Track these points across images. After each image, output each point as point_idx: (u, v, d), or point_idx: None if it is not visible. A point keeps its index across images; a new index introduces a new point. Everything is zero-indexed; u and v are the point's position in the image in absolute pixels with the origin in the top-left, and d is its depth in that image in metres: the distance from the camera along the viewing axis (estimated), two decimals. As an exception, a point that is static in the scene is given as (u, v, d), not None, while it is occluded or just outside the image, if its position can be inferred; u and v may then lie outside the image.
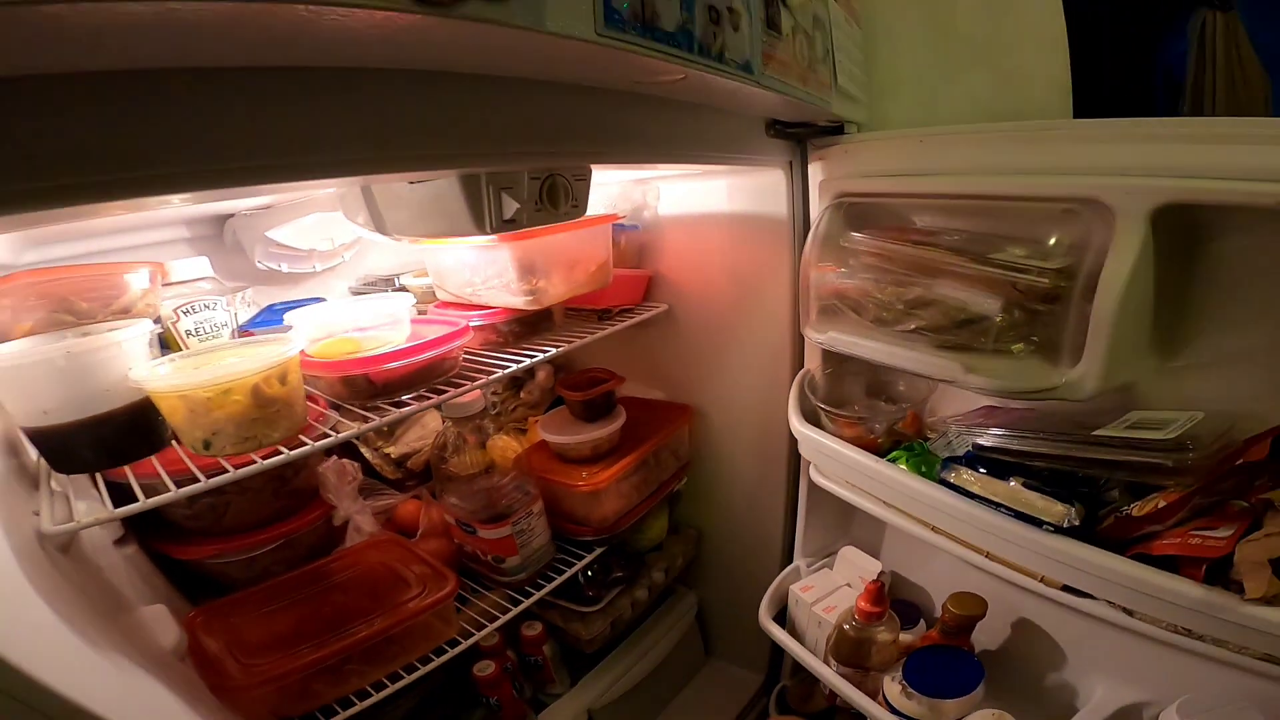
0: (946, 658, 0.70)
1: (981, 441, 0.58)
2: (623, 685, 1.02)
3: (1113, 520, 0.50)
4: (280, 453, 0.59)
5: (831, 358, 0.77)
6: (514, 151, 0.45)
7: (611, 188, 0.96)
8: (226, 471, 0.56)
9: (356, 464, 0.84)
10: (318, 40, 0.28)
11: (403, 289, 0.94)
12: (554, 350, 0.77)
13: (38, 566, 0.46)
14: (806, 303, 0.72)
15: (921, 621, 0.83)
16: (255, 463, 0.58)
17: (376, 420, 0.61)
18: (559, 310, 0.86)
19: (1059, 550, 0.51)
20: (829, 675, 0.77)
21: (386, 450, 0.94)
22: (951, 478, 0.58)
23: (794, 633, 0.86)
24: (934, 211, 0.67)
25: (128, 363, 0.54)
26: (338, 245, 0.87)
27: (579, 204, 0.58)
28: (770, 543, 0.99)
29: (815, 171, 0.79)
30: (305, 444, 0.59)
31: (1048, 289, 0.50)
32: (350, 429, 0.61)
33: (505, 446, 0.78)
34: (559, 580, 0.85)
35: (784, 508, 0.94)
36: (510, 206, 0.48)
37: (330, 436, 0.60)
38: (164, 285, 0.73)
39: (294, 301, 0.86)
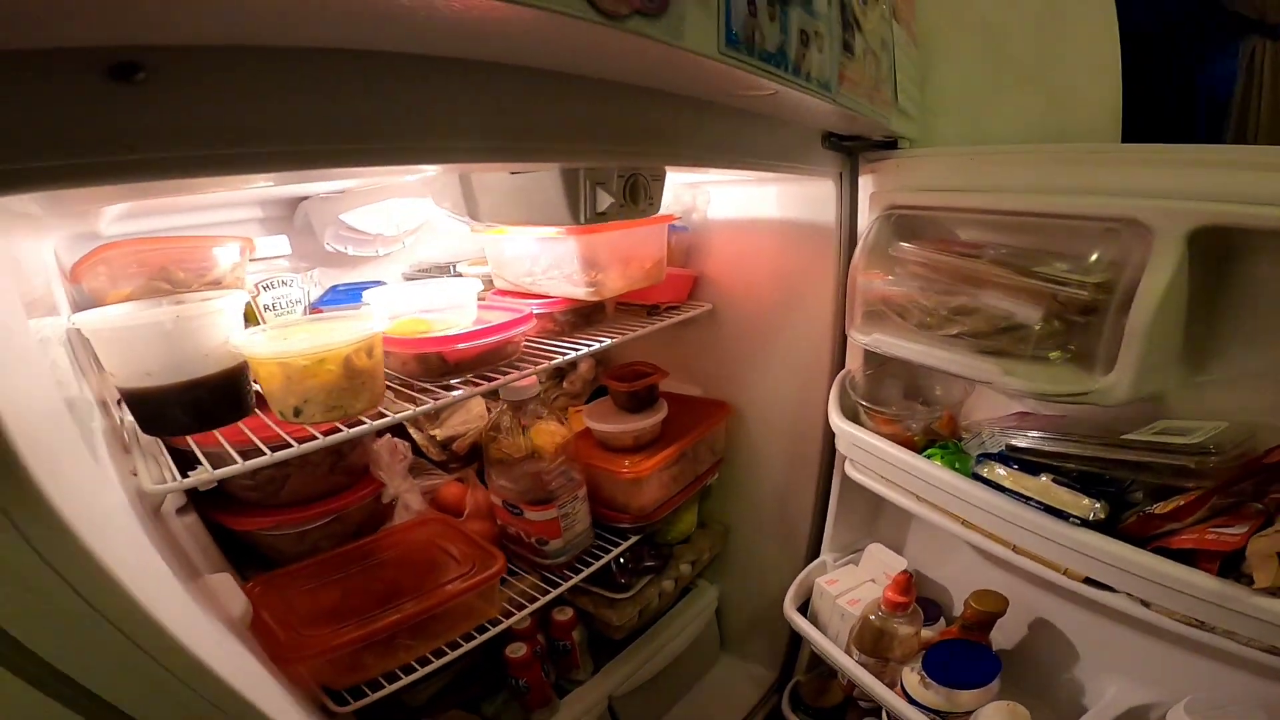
0: (965, 651, 0.75)
1: (1015, 442, 0.63)
2: (643, 675, 1.08)
3: (1135, 518, 0.55)
4: (363, 423, 0.64)
5: (872, 360, 0.83)
6: (611, 150, 0.51)
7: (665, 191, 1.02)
8: (315, 439, 0.61)
9: (407, 444, 0.90)
10: (482, 34, 0.34)
11: (459, 276, 1.00)
12: (608, 341, 0.83)
13: (141, 524, 0.50)
14: (853, 307, 0.77)
15: (941, 619, 0.89)
16: (365, 423, 0.62)
17: (449, 397, 0.67)
18: (611, 304, 0.92)
19: (1083, 543, 0.56)
20: (849, 665, 0.82)
21: (433, 432, 1.00)
22: (984, 473, 0.64)
23: (816, 625, 0.91)
24: (979, 226, 0.73)
25: (225, 331, 0.59)
26: (401, 231, 0.93)
27: (654, 202, 0.64)
28: (796, 540, 1.04)
29: (866, 184, 0.85)
30: (386, 415, 0.64)
31: (1086, 301, 0.55)
32: (425, 404, 0.66)
33: (554, 431, 0.83)
34: (596, 565, 0.90)
35: (813, 506, 0.99)
36: (604, 200, 0.54)
37: (409, 409, 0.65)
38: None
39: (357, 283, 0.91)
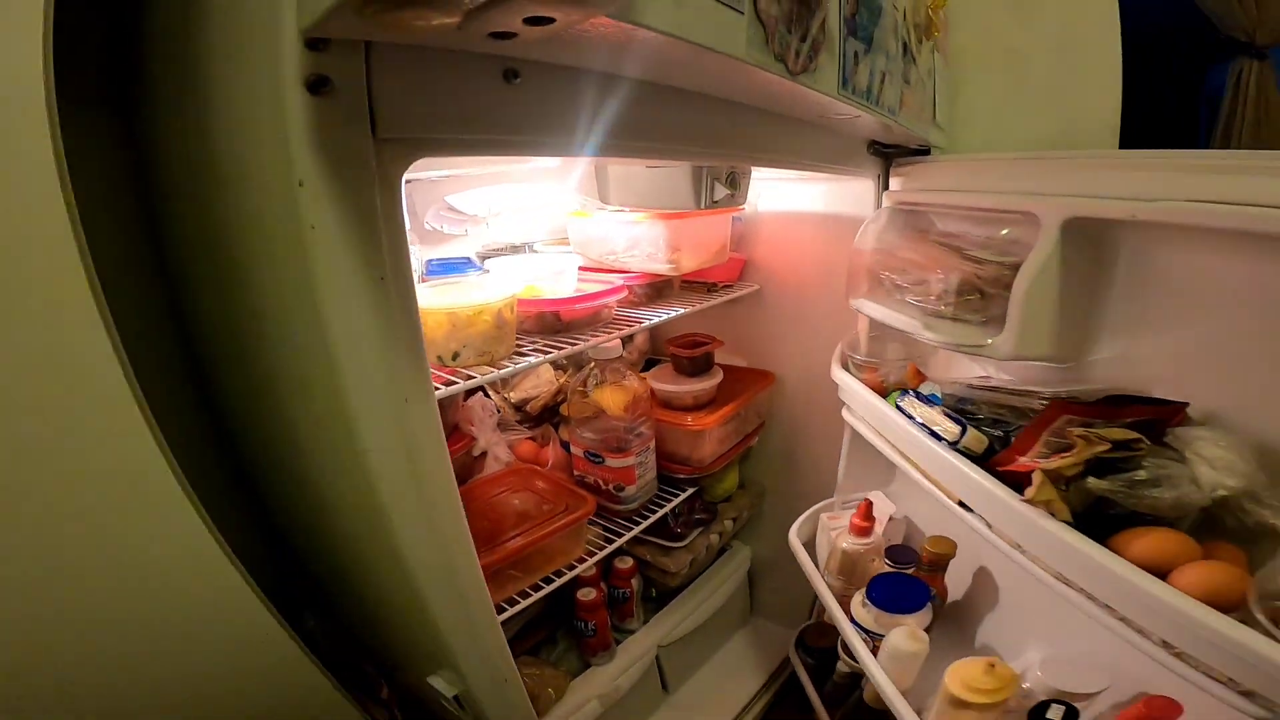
0: (906, 584, 0.88)
1: (942, 390, 0.82)
2: (685, 627, 1.24)
3: (1000, 454, 0.69)
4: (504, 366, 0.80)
5: (874, 325, 1.01)
6: (730, 153, 0.69)
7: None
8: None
9: (490, 401, 1.06)
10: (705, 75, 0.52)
11: (535, 253, 1.16)
12: (682, 310, 1.01)
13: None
14: (853, 280, 0.97)
15: (914, 565, 1.03)
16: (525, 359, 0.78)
17: (570, 349, 0.84)
18: (677, 281, 1.10)
19: (950, 463, 0.70)
20: (820, 585, 1.00)
21: (507, 394, 1.16)
22: (904, 404, 0.81)
23: (815, 558, 1.09)
24: (953, 219, 0.91)
25: None
26: (490, 214, 1.09)
27: (744, 194, 0.82)
28: (821, 498, 1.23)
29: (894, 184, 1.04)
30: (520, 361, 0.81)
31: (995, 276, 0.73)
32: (550, 354, 0.83)
33: (632, 387, 1.00)
34: (661, 511, 1.08)
35: (834, 466, 1.18)
36: (720, 191, 0.72)
37: (546, 354, 0.81)
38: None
39: (447, 259, 1.07)
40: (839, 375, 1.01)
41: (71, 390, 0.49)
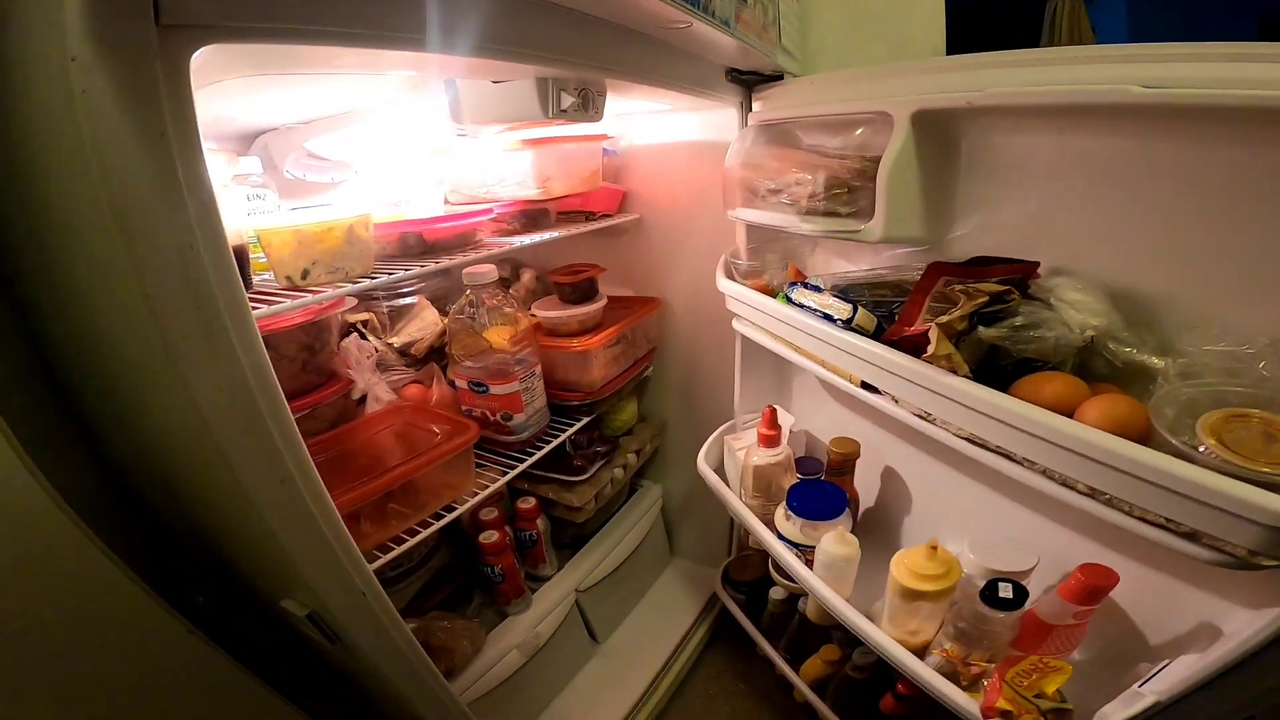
0: (822, 490, 0.91)
1: (826, 282, 0.86)
2: (602, 570, 1.25)
3: (891, 329, 0.72)
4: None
5: (753, 237, 1.08)
6: (572, 62, 0.70)
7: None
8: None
9: (366, 343, 1.02)
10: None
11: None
12: (555, 234, 1.01)
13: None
14: (729, 193, 1.01)
15: (822, 474, 1.07)
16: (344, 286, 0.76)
17: (433, 265, 0.82)
18: (554, 211, 1.10)
19: (844, 341, 0.74)
20: (739, 507, 1.02)
21: (390, 340, 1.12)
22: (794, 295, 0.83)
23: (726, 481, 1.13)
24: (814, 131, 0.97)
25: (232, 215, 0.72)
26: (357, 158, 1.05)
27: (599, 112, 0.83)
28: (722, 424, 1.27)
29: (756, 107, 1.09)
30: (379, 277, 0.78)
31: (858, 169, 0.80)
32: (413, 269, 0.81)
33: (515, 320, 1.00)
34: (554, 443, 1.08)
35: (731, 388, 1.23)
36: (567, 100, 0.73)
37: (402, 273, 0.79)
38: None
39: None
40: (725, 285, 1.03)
41: None
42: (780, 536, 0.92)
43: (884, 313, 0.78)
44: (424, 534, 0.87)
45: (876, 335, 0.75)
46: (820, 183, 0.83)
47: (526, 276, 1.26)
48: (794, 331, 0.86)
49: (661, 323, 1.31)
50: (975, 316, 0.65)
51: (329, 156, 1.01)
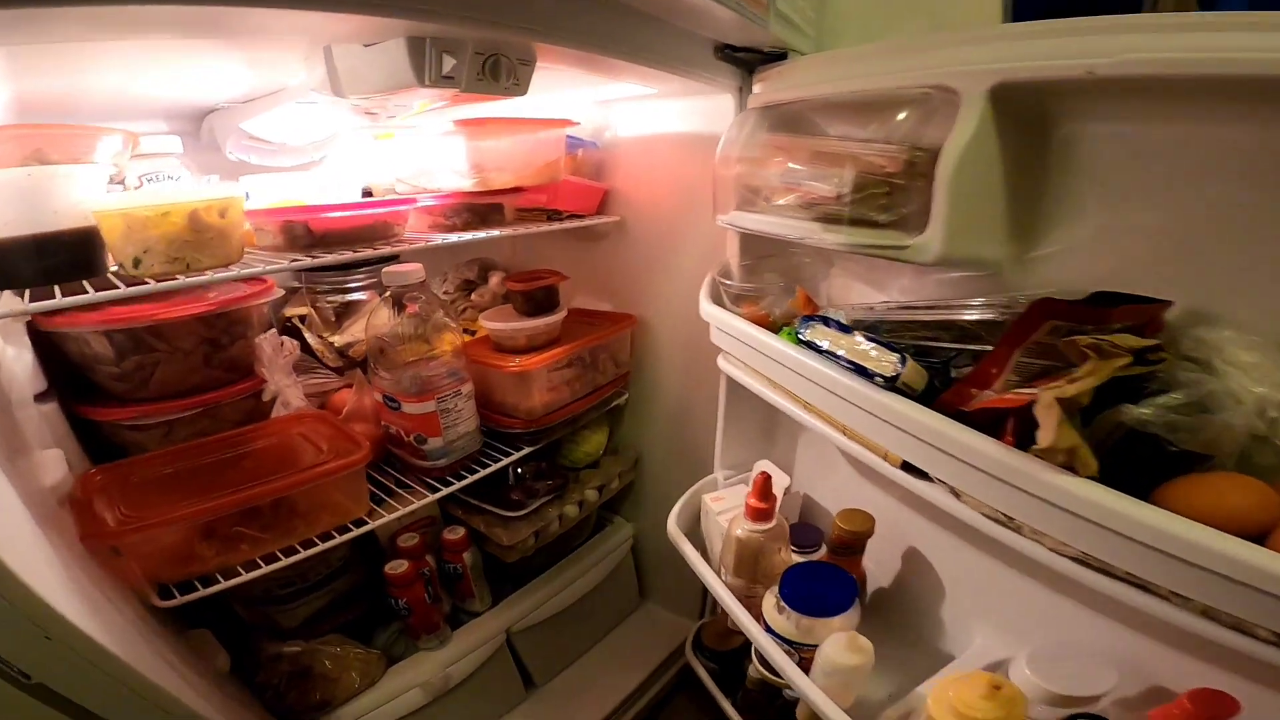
0: (825, 575, 0.72)
1: (849, 316, 0.64)
2: (546, 610, 1.08)
3: (951, 390, 0.53)
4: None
5: (749, 250, 0.85)
6: (457, 15, 0.53)
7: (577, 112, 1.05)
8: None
9: (296, 341, 0.91)
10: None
11: (369, 193, 1.02)
12: (497, 233, 0.85)
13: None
14: (722, 194, 0.80)
15: (823, 547, 0.87)
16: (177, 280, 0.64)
17: (306, 260, 0.68)
18: (510, 208, 0.94)
19: (888, 408, 0.54)
20: (715, 584, 0.81)
21: (332, 339, 1.01)
22: (807, 333, 0.62)
23: (703, 548, 0.91)
24: (835, 118, 0.75)
25: (79, 195, 0.62)
26: (307, 143, 0.95)
27: (520, 84, 0.67)
28: (705, 466, 1.05)
29: (757, 90, 0.88)
30: (234, 269, 0.66)
31: (907, 161, 0.57)
32: (281, 264, 0.68)
33: (424, 318, 0.84)
34: (481, 473, 0.92)
35: (715, 426, 1.01)
36: (448, 63, 0.57)
37: (262, 268, 0.67)
38: (135, 157, 0.80)
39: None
40: (709, 311, 0.83)
41: None
42: (769, 630, 0.72)
43: (934, 364, 0.56)
44: (285, 561, 0.73)
45: (926, 398, 0.54)
46: (849, 180, 0.61)
47: (494, 281, 1.12)
48: (805, 385, 0.65)
49: (641, 344, 1.12)
50: (1109, 385, 0.43)
51: (269, 138, 0.92)
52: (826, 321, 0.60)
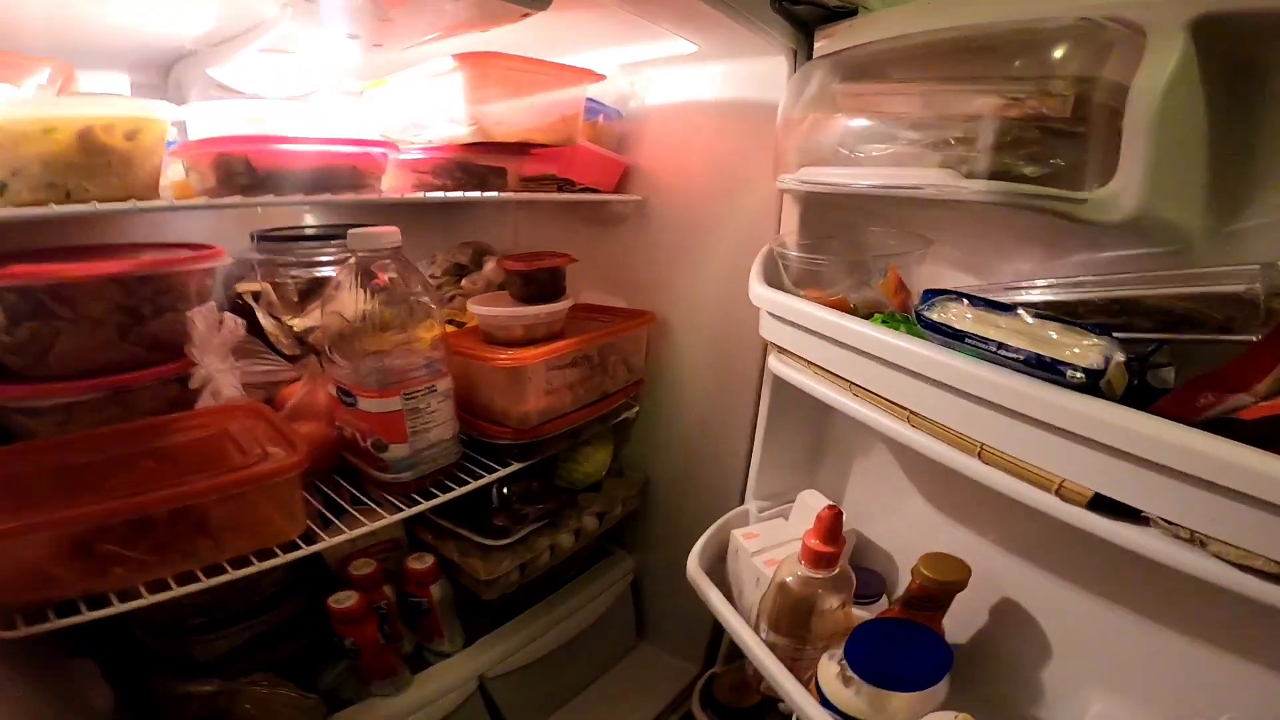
0: (906, 637, 0.58)
1: (992, 296, 0.47)
2: (529, 654, 0.92)
3: (1174, 393, 0.39)
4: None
5: (808, 229, 0.70)
6: None
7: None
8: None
9: (241, 320, 0.73)
10: None
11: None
12: (495, 194, 0.69)
13: None
14: (785, 158, 0.65)
15: (884, 597, 0.72)
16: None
17: (233, 199, 0.52)
18: (514, 174, 0.78)
19: (1082, 416, 0.38)
20: (753, 643, 0.64)
21: (290, 322, 0.84)
22: (935, 315, 0.45)
23: (728, 591, 0.74)
24: (923, 64, 0.60)
25: None
26: (284, 97, 0.81)
27: None
28: (728, 496, 0.89)
29: (820, 49, 0.73)
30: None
31: (1068, 102, 0.43)
32: (207, 202, 0.51)
33: (393, 292, 0.68)
34: (457, 492, 0.74)
35: (746, 449, 0.85)
36: None
37: (167, 204, 0.50)
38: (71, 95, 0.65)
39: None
40: (764, 295, 0.67)
41: None
42: (827, 703, 0.56)
43: (1130, 359, 0.41)
44: (178, 591, 0.56)
45: (1130, 398, 0.40)
46: (989, 127, 0.46)
47: (489, 266, 0.95)
48: (921, 389, 0.48)
49: (659, 346, 0.96)
50: None
51: (240, 88, 0.77)
52: (968, 298, 0.43)
